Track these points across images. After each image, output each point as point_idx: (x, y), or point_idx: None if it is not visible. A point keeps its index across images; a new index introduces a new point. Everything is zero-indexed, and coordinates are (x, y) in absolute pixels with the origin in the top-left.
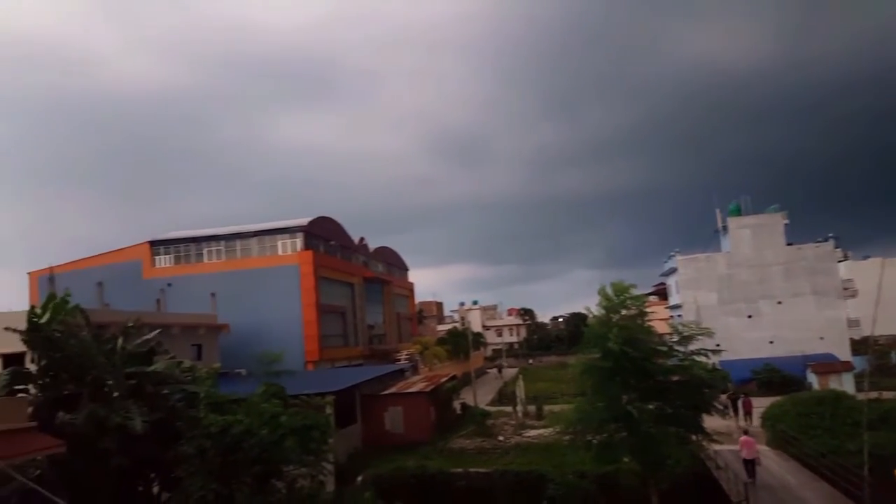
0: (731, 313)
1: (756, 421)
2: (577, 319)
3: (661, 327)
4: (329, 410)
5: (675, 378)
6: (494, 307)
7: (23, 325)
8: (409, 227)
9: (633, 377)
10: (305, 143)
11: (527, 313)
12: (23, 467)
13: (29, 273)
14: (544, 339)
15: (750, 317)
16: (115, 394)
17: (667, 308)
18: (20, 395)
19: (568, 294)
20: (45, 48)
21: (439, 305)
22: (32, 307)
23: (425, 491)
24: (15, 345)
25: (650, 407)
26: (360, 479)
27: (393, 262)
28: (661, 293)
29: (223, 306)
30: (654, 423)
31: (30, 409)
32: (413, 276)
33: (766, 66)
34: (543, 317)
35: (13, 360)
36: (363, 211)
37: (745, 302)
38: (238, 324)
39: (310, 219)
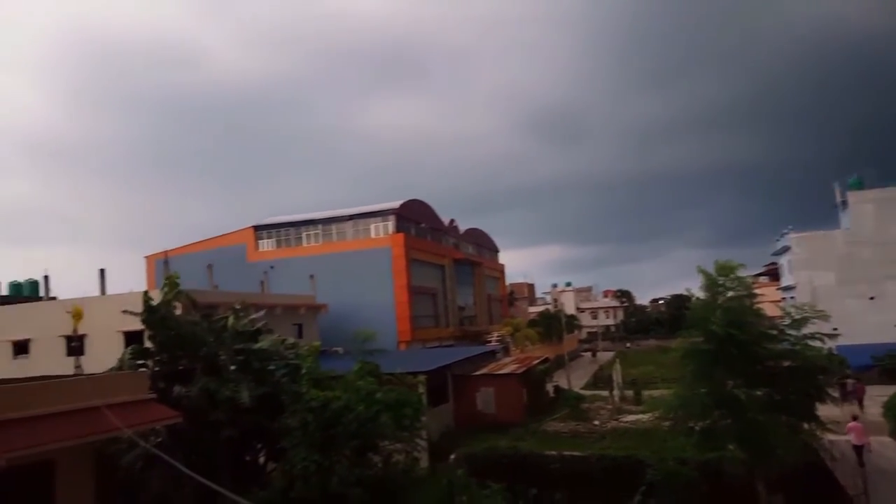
0: (850, 295)
1: (873, 408)
2: (678, 301)
3: (771, 310)
4: (421, 389)
5: (786, 363)
6: (589, 289)
7: (140, 306)
8: (500, 208)
9: (738, 362)
10: (397, 126)
11: (624, 295)
12: (145, 435)
13: (146, 256)
14: (643, 322)
15: (872, 298)
16: (226, 369)
17: (778, 289)
18: (141, 369)
19: (669, 275)
20: (157, 46)
21: (531, 287)
22: (146, 291)
23: (518, 471)
24: (136, 323)
25: (758, 393)
26: (452, 456)
27: (483, 244)
28: (773, 273)
29: (321, 287)
30: (762, 410)
31: (150, 383)
32: (504, 257)
33: (894, 30)
34: (642, 299)
35: (134, 337)
36: (454, 192)
37: (867, 283)
38: (335, 304)
39: (401, 202)
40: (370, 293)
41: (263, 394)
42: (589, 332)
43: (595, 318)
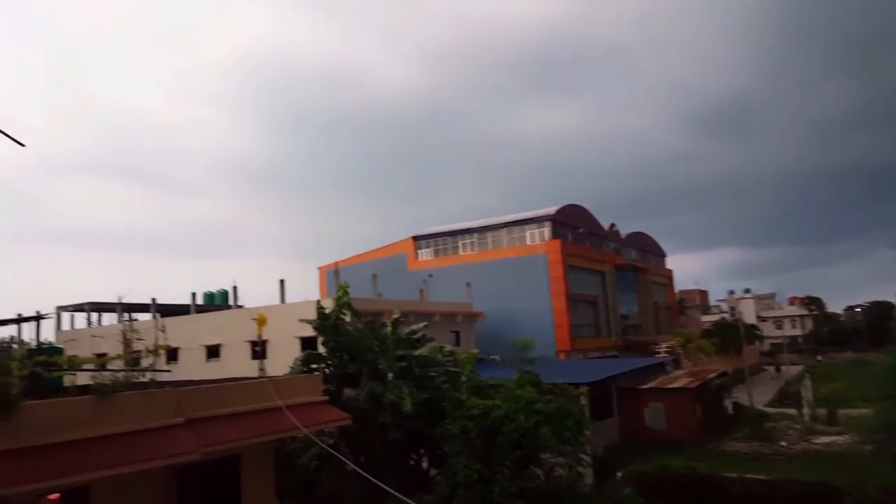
0: None
1: None
2: (880, 309)
3: None
4: (583, 401)
5: None
6: (772, 296)
7: (314, 314)
8: (665, 210)
9: None
10: (552, 130)
11: (813, 302)
12: (319, 435)
13: (319, 267)
14: (837, 333)
15: None
16: (388, 375)
17: None
18: (315, 372)
19: (867, 279)
20: (326, 70)
21: (703, 294)
22: (318, 301)
23: (692, 494)
24: (311, 330)
25: None
26: (619, 474)
27: (648, 248)
28: None
29: (478, 295)
30: None
31: (323, 386)
32: (671, 262)
33: None
34: (834, 307)
35: (309, 342)
36: (614, 195)
37: None
38: (491, 312)
39: (557, 207)
40: (527, 301)
41: (424, 399)
42: (772, 344)
43: (779, 328)
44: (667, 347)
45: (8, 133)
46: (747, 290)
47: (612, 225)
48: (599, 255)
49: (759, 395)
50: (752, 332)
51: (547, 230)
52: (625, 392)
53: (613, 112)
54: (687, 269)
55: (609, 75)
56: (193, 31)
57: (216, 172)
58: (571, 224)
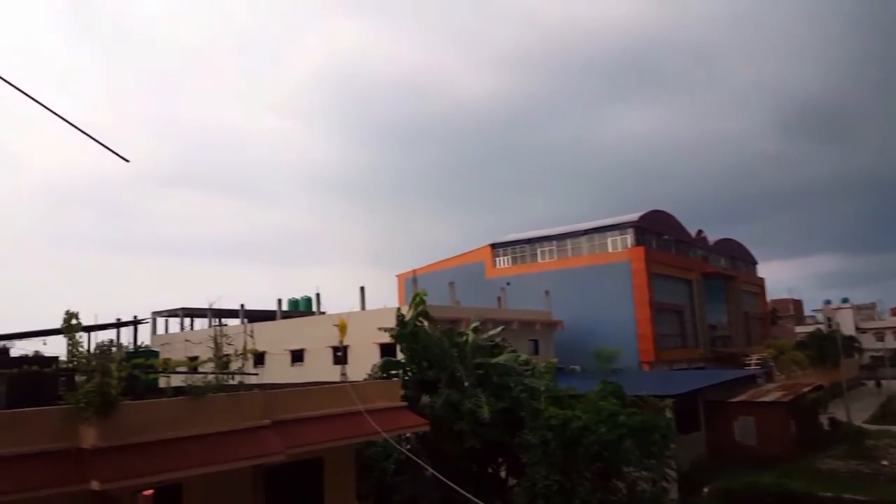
0: None
1: None
2: None
3: None
4: (669, 414)
5: None
6: (872, 305)
7: (393, 321)
8: (756, 216)
9: None
10: (633, 136)
11: None
12: (397, 441)
13: (397, 275)
14: None
15: None
16: (466, 382)
17: None
18: (393, 378)
19: None
20: (408, 80)
21: (797, 304)
22: (399, 308)
23: None
24: (389, 336)
25: None
26: (706, 490)
27: (737, 256)
28: None
29: (557, 303)
30: None
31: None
32: (763, 270)
33: None
34: None
35: (388, 348)
36: (701, 201)
37: None
38: (571, 321)
39: (640, 213)
40: (608, 310)
41: (502, 408)
42: (872, 357)
43: (880, 340)
44: (758, 359)
45: (112, 149)
46: (845, 300)
47: (700, 231)
48: (686, 263)
49: (857, 411)
50: (850, 345)
51: (630, 237)
52: (713, 405)
53: (700, 115)
54: (780, 277)
55: (697, 77)
56: (279, 46)
57: (301, 183)
58: (656, 231)
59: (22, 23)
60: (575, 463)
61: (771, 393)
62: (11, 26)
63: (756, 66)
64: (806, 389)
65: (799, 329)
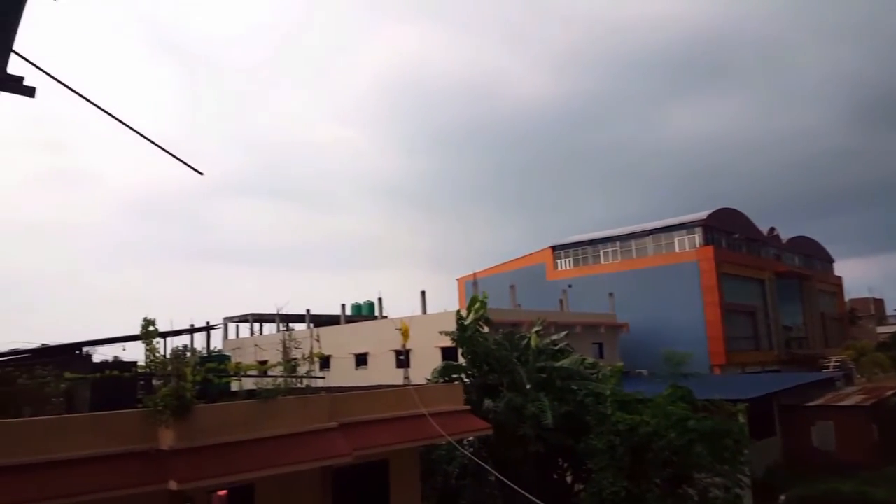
0: None
1: None
2: None
3: None
4: (742, 419)
5: None
6: None
7: (453, 325)
8: (832, 212)
9: None
10: (701, 132)
11: None
12: (461, 444)
13: (457, 279)
14: None
15: None
16: (528, 386)
17: None
18: (455, 382)
19: None
20: (464, 84)
21: (878, 303)
22: (458, 311)
23: None
24: (450, 340)
25: None
26: (782, 497)
27: (812, 254)
28: None
29: (621, 305)
30: None
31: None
32: (840, 268)
33: None
34: None
35: (449, 352)
36: (772, 198)
37: None
38: (636, 323)
39: (709, 212)
40: (675, 312)
41: (566, 412)
42: None
43: None
44: (836, 361)
45: (186, 161)
46: None
47: (772, 229)
48: (758, 262)
49: None
50: None
51: (698, 236)
52: (789, 410)
53: (770, 110)
54: (859, 275)
55: (766, 71)
56: (340, 57)
57: (362, 189)
58: (725, 229)
59: (102, 42)
60: (643, 469)
61: (851, 396)
62: (91, 46)
63: (828, 57)
64: (889, 393)
65: (881, 330)
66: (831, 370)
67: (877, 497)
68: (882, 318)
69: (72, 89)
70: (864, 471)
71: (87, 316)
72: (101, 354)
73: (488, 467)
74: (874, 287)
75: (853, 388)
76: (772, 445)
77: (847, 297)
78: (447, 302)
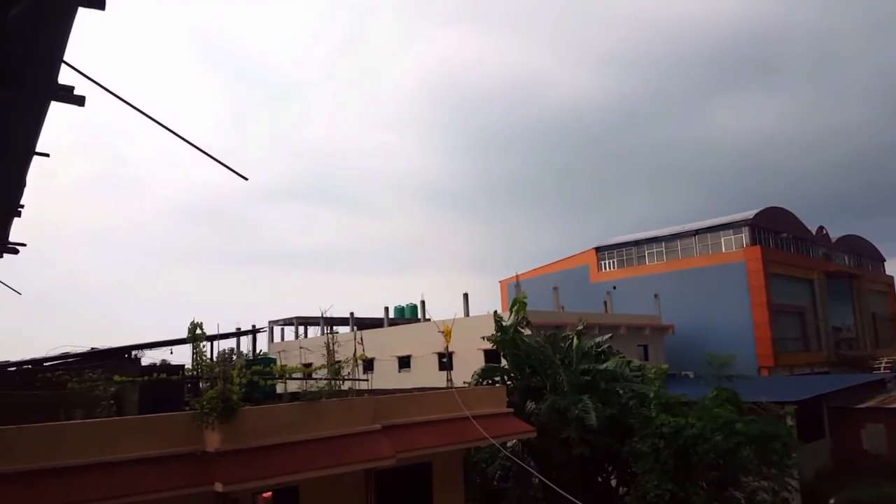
0: None
1: None
2: None
3: None
4: (790, 422)
5: None
6: None
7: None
8: (882, 210)
9: None
10: (747, 130)
11: None
12: (504, 447)
13: (500, 281)
14: None
15: None
16: (566, 388)
17: None
18: (497, 385)
19: None
20: (504, 86)
21: None
22: (496, 312)
23: None
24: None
25: None
26: (832, 500)
27: (863, 253)
28: None
29: (666, 307)
30: None
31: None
32: (892, 267)
33: None
34: None
35: (491, 354)
36: (821, 196)
37: None
38: (682, 325)
39: (756, 211)
40: (722, 313)
41: (611, 415)
42: None
43: None
44: (888, 363)
45: (231, 167)
46: None
47: (821, 228)
48: (806, 262)
49: None
50: None
51: (745, 236)
52: (838, 412)
53: (819, 107)
54: None
55: (814, 67)
56: (381, 60)
57: (404, 193)
58: (773, 228)
59: (149, 50)
60: (689, 472)
61: None
62: (138, 54)
63: (879, 52)
64: None
65: None
66: (883, 371)
67: None
68: None
69: (121, 98)
70: None
71: (136, 320)
72: (149, 358)
73: (531, 469)
74: None
75: None
76: (821, 448)
77: None
78: (490, 304)
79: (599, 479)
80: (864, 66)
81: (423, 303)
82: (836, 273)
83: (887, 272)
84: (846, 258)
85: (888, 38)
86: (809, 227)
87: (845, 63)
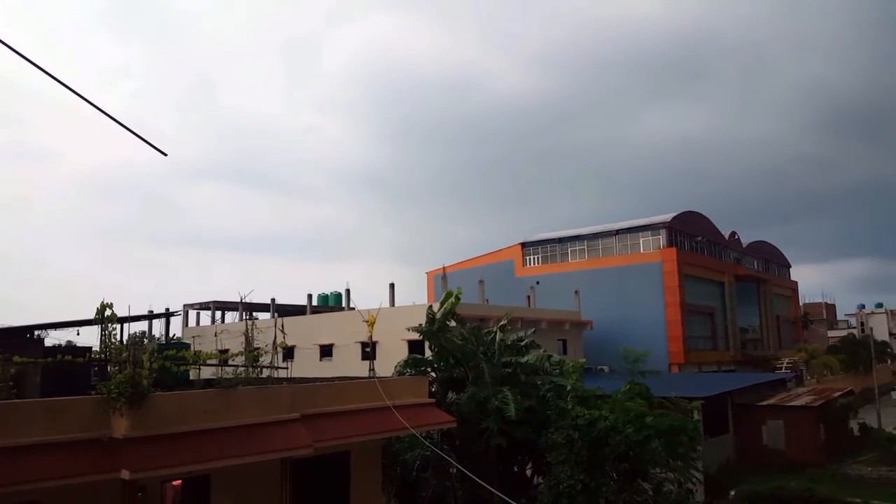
0: None
1: None
2: None
3: None
4: (697, 416)
5: None
6: None
7: (422, 318)
8: (790, 218)
9: None
10: (672, 136)
11: None
12: (425, 437)
13: (426, 272)
14: None
15: None
16: (488, 379)
17: None
18: (421, 376)
19: None
20: (443, 79)
21: (830, 308)
22: (430, 306)
23: None
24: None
25: None
26: (732, 493)
27: (771, 258)
28: None
29: (586, 303)
30: None
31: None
32: (796, 273)
33: None
34: None
35: (416, 345)
36: (737, 203)
37: None
38: (600, 321)
39: (673, 214)
40: (638, 311)
41: (529, 407)
42: None
43: None
44: (788, 363)
45: (150, 142)
46: (879, 305)
47: (733, 233)
48: (718, 265)
49: (889, 417)
50: (883, 350)
51: (662, 238)
52: (742, 408)
53: (739, 117)
54: (813, 280)
55: (736, 78)
56: (313, 40)
57: (334, 178)
58: (689, 232)
59: (64, 18)
60: (600, 463)
61: (801, 397)
62: (54, 21)
63: (802, 68)
64: (837, 394)
65: (832, 333)
66: (783, 371)
67: (822, 494)
68: (833, 323)
69: (29, 60)
70: (811, 469)
71: (42, 297)
72: (53, 338)
73: (450, 459)
74: (827, 292)
75: (803, 389)
76: (725, 443)
77: (801, 302)
78: (417, 295)
79: (515, 469)
80: (785, 81)
81: (347, 291)
82: (746, 277)
83: (792, 277)
84: (755, 263)
85: (806, 55)
86: (723, 232)
87: (768, 77)
